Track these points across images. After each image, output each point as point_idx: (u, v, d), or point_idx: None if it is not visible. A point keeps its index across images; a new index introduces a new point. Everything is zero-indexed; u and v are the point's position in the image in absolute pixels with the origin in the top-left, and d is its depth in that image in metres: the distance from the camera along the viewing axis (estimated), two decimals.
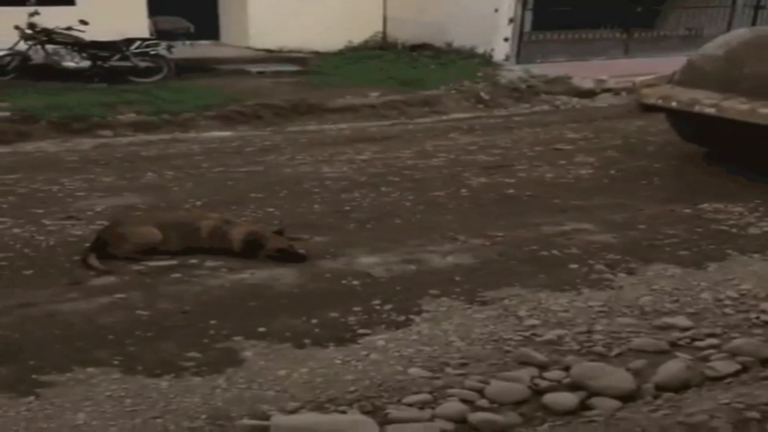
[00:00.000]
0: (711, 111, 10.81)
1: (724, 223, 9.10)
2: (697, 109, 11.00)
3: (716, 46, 11.90)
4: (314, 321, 6.63)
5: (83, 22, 17.02)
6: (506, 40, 20.48)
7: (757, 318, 6.69)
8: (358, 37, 22.61)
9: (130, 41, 17.75)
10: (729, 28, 21.04)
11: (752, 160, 11.19)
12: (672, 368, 5.81)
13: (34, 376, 5.70)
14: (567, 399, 5.47)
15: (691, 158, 12.17)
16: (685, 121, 11.80)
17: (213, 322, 6.55)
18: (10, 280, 7.40)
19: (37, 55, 17.50)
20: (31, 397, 5.44)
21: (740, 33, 12.14)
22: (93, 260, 7.65)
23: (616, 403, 5.42)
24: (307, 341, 6.29)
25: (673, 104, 11.40)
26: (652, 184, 10.99)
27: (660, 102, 11.59)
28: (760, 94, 10.57)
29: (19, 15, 17.09)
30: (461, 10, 20.65)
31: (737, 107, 10.55)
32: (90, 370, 5.80)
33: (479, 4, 20.40)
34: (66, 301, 6.94)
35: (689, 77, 11.74)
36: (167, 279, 7.45)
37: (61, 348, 6.12)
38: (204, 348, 6.16)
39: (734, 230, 8.83)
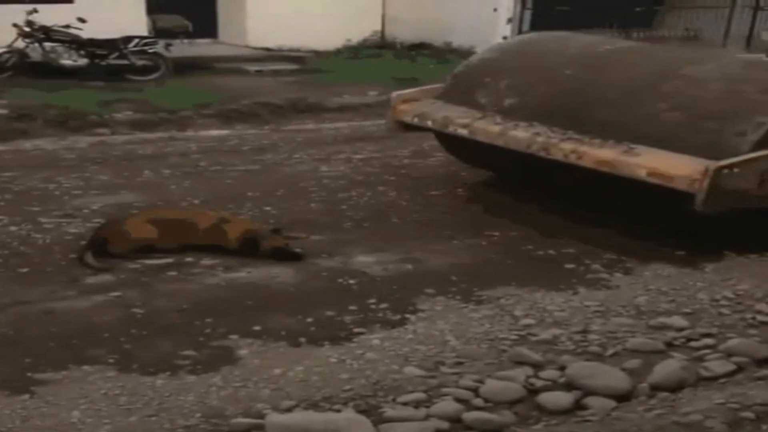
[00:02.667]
0: (464, 132, 9.51)
1: None
2: (450, 129, 9.69)
3: (484, 55, 10.82)
4: (310, 320, 6.63)
5: (81, 20, 17.04)
6: (505, 39, 20.50)
7: (753, 318, 6.69)
8: (356, 36, 22.66)
9: (128, 39, 17.77)
10: (728, 29, 21.03)
11: (536, 185, 10.13)
12: (667, 368, 5.81)
13: (29, 374, 5.69)
14: (562, 398, 5.47)
15: None
16: (459, 142, 10.10)
17: (209, 320, 6.56)
18: (6, 277, 7.41)
19: (35, 53, 17.53)
20: (26, 395, 5.43)
21: (511, 41, 11.46)
22: (89, 258, 7.65)
23: (611, 403, 5.41)
24: (302, 340, 6.30)
25: (429, 123, 9.98)
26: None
27: (416, 121, 10.09)
28: (516, 113, 9.40)
29: (18, 13, 17.10)
30: (460, 10, 20.68)
31: (489, 128, 9.24)
32: (85, 368, 5.80)
33: (478, 3, 20.44)
34: (62, 299, 6.95)
35: (453, 91, 10.33)
36: (163, 277, 7.46)
37: (57, 346, 6.12)
38: (199, 346, 6.16)
39: None
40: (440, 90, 10.45)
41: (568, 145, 8.47)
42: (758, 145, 7.73)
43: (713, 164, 7.43)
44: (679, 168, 7.69)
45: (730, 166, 7.50)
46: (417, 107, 10.22)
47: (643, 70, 9.12)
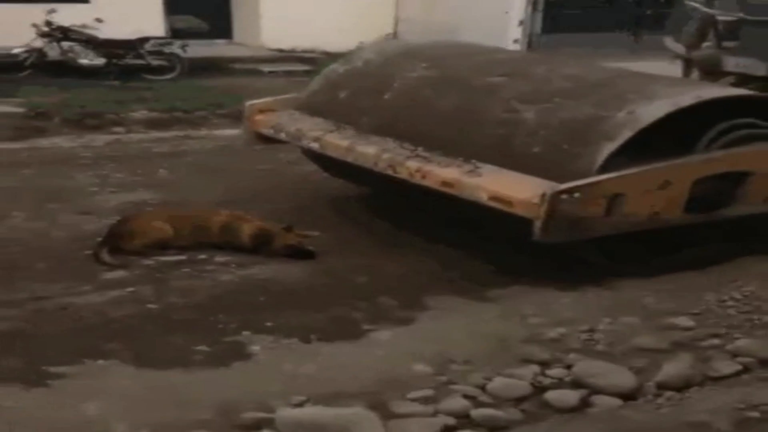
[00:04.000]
0: (315, 146, 8.94)
1: None
2: (303, 142, 9.16)
3: (344, 64, 10.05)
4: (321, 316, 6.70)
5: (99, 20, 17.14)
6: (516, 42, 20.52)
7: (759, 319, 6.70)
8: (369, 37, 22.58)
9: (144, 39, 17.86)
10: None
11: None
12: (674, 367, 5.84)
13: (45, 368, 5.75)
14: (569, 397, 5.50)
15: None
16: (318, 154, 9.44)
17: (222, 316, 6.63)
18: (23, 273, 7.47)
19: (53, 52, 17.63)
20: (42, 389, 5.50)
21: (374, 49, 10.38)
22: (105, 255, 7.72)
23: (618, 402, 5.46)
24: (313, 336, 6.35)
25: (282, 135, 9.37)
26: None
27: (272, 132, 9.48)
28: (371, 127, 8.72)
29: (36, 12, 17.20)
30: (471, 12, 20.69)
31: (338, 143, 8.60)
32: (100, 362, 5.87)
33: (489, 5, 20.45)
34: (78, 295, 7.02)
35: (312, 101, 9.66)
36: (177, 274, 7.53)
37: (73, 340, 6.19)
38: (212, 342, 6.22)
39: None
40: (299, 99, 9.87)
41: (414, 163, 7.82)
42: (606, 167, 7.03)
43: (551, 189, 6.76)
44: (521, 191, 6.99)
45: (570, 191, 6.78)
46: (273, 118, 9.63)
47: (503, 83, 8.40)
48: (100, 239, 8.00)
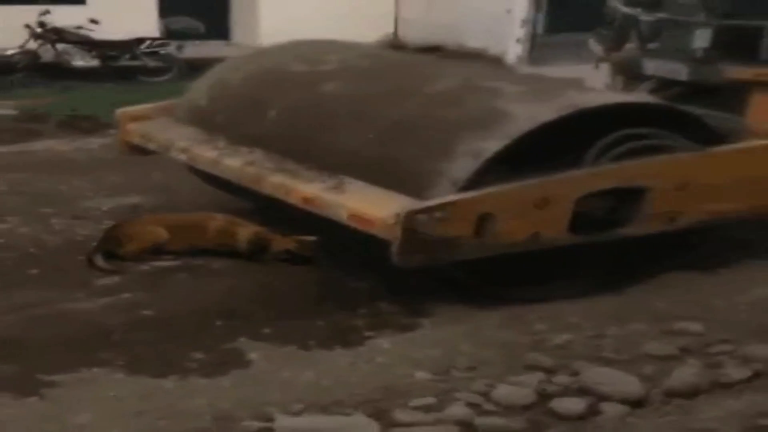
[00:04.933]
0: (183, 157, 8.48)
1: None
2: (172, 153, 8.59)
3: (221, 69, 9.61)
4: (320, 323, 6.62)
5: (93, 21, 17.08)
6: (518, 41, 20.45)
7: None
8: (369, 37, 22.60)
9: (140, 41, 17.80)
10: None
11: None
12: (683, 374, 5.78)
13: (38, 376, 5.68)
14: (575, 404, 5.42)
15: None
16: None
17: (218, 323, 6.55)
18: (16, 279, 7.40)
19: (47, 54, 17.56)
20: (36, 397, 5.43)
21: (253, 53, 10.20)
22: (99, 260, 7.64)
23: (625, 409, 5.38)
24: (312, 343, 6.29)
25: (152, 146, 8.86)
26: None
27: (142, 142, 8.93)
28: (242, 137, 8.18)
29: (30, 14, 17.15)
30: (473, 11, 20.62)
31: (206, 155, 8.10)
32: (95, 370, 5.80)
33: (492, 5, 20.37)
34: (72, 301, 6.94)
35: (188, 109, 9.14)
36: (173, 279, 7.45)
37: (66, 348, 6.11)
38: (209, 349, 6.15)
39: None
40: (176, 107, 9.33)
41: (277, 178, 7.38)
42: (471, 184, 6.58)
43: (406, 208, 6.35)
44: (381, 210, 6.54)
45: (429, 210, 6.35)
46: (144, 127, 9.06)
47: (377, 89, 7.91)
48: (94, 244, 7.92)
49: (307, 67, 8.69)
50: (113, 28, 17.22)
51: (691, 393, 5.57)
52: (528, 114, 6.90)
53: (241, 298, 7.08)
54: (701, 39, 8.93)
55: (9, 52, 17.22)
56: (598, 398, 5.49)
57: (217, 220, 8.14)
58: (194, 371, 5.83)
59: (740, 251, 8.10)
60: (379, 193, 6.85)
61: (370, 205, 6.69)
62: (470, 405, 5.40)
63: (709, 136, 7.52)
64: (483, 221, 6.53)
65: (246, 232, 7.99)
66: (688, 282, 7.51)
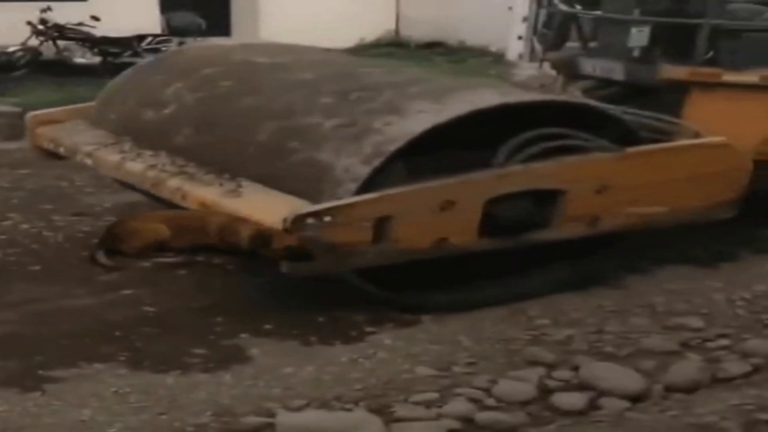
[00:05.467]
0: (88, 162, 8.05)
1: None
2: (78, 158, 8.18)
3: (136, 68, 9.33)
4: (321, 319, 6.61)
5: (95, 18, 17.08)
6: (520, 38, 20.41)
7: None
8: (370, 34, 22.64)
9: (141, 37, 17.82)
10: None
11: None
12: (682, 369, 5.78)
13: (40, 372, 5.68)
14: (575, 399, 5.43)
15: None
16: None
17: (219, 318, 6.54)
18: (18, 275, 7.41)
19: (49, 51, 17.57)
20: (38, 393, 5.42)
21: (169, 52, 9.93)
22: (101, 256, 7.64)
23: (625, 404, 5.38)
24: (313, 339, 6.28)
25: (61, 150, 8.41)
26: None
27: (52, 147, 8.51)
28: (150, 140, 7.81)
29: (31, 10, 17.15)
30: (474, 8, 20.63)
31: (108, 158, 7.74)
32: (96, 365, 5.78)
33: (493, 2, 20.36)
34: (73, 297, 6.94)
35: (101, 111, 8.75)
36: (174, 276, 7.44)
37: (68, 344, 6.11)
38: (210, 345, 6.14)
39: None
40: (89, 109, 8.94)
41: (175, 182, 7.05)
42: (371, 186, 6.25)
43: (293, 212, 6.06)
44: (270, 215, 6.31)
45: (318, 214, 6.05)
46: (52, 131, 8.63)
47: (277, 89, 7.59)
48: (96, 241, 7.92)
49: (214, 69, 8.32)
50: (114, 25, 17.22)
51: (691, 388, 5.57)
52: (431, 112, 6.59)
53: (242, 295, 7.09)
54: (637, 38, 8.74)
55: (11, 49, 17.23)
56: (598, 393, 5.48)
57: (219, 217, 8.13)
58: (195, 367, 5.83)
59: (741, 246, 8.10)
60: (275, 197, 6.57)
61: (261, 210, 6.47)
62: (471, 400, 5.39)
63: (631, 137, 7.29)
64: (382, 226, 6.21)
65: (247, 228, 7.98)
66: (689, 277, 7.52)
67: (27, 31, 17.24)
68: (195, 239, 7.92)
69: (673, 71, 8.40)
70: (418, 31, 22.38)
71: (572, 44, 10.00)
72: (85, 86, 15.97)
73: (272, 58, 8.56)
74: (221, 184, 6.86)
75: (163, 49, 17.82)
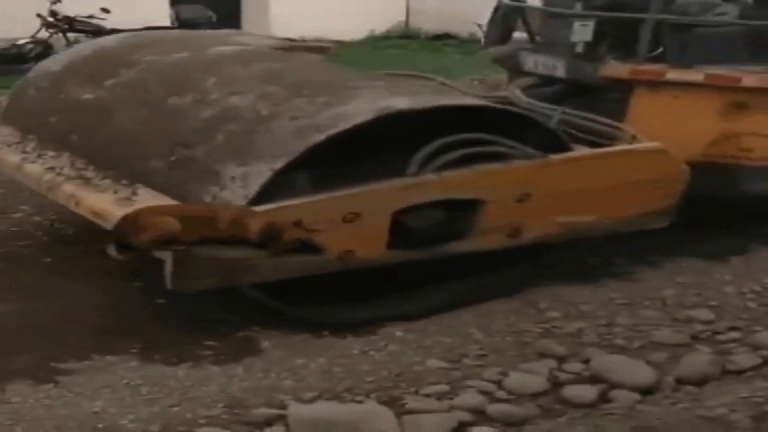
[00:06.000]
0: None
1: None
2: None
3: (49, 63, 8.63)
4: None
5: (105, 11, 17.07)
6: None
7: None
8: (380, 26, 22.59)
9: (150, 30, 17.78)
10: None
11: None
12: (693, 361, 5.79)
13: (52, 364, 5.70)
14: (586, 391, 5.46)
15: None
16: None
17: (231, 311, 6.55)
18: (30, 267, 7.41)
19: (59, 44, 17.54)
20: (50, 385, 5.44)
21: (84, 45, 9.20)
22: (112, 249, 7.64)
23: (636, 396, 5.40)
24: (325, 331, 6.27)
25: None
26: None
27: None
28: (56, 140, 7.28)
29: (41, 3, 17.15)
30: (484, 1, 20.57)
31: (9, 159, 7.26)
32: (108, 357, 5.80)
33: None
34: (84, 290, 6.96)
35: (12, 109, 8.27)
36: None
37: (80, 336, 6.13)
38: (222, 337, 6.16)
39: None
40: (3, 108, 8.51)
41: (69, 187, 6.52)
42: (267, 196, 6.02)
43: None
44: None
45: None
46: None
47: (178, 93, 7.06)
48: (108, 234, 7.92)
49: (120, 68, 7.75)
50: (124, 17, 17.20)
51: (702, 380, 5.59)
52: (336, 117, 6.18)
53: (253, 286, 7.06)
54: (580, 32, 8.25)
55: (21, 42, 17.23)
56: (609, 386, 5.51)
57: (229, 211, 8.13)
58: (207, 359, 5.85)
59: (752, 239, 8.08)
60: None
61: None
62: (482, 392, 5.41)
63: (560, 143, 6.97)
64: (272, 233, 5.99)
65: (257, 222, 7.98)
66: (700, 270, 7.51)
67: (37, 23, 17.24)
68: (205, 233, 7.92)
69: (614, 69, 8.12)
70: (428, 23, 22.32)
71: (519, 38, 9.62)
72: None
73: (183, 54, 7.93)
74: (116, 192, 6.35)
75: None
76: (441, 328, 6.36)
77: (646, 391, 5.47)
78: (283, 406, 5.17)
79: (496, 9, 9.77)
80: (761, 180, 7.85)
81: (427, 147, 6.30)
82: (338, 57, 19.43)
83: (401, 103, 6.36)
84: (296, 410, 5.08)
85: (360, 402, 5.29)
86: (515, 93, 8.80)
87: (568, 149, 6.97)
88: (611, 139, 7.35)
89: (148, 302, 6.75)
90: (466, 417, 5.14)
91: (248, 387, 5.48)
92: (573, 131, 7.54)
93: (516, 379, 5.57)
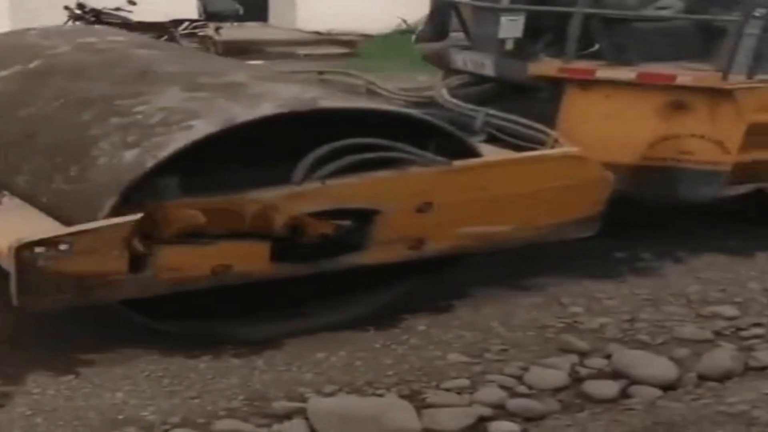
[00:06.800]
0: None
1: None
2: None
3: None
4: None
5: (131, 2, 17.14)
6: None
7: None
8: (409, 19, 22.56)
9: (177, 22, 17.83)
10: None
11: None
12: (715, 358, 5.76)
13: (74, 355, 5.72)
14: (607, 387, 5.44)
15: None
16: None
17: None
18: None
19: None
20: (71, 376, 5.47)
21: None
22: (136, 242, 7.64)
23: (657, 392, 5.38)
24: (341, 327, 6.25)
25: None
26: None
27: None
28: None
29: None
30: None
31: None
32: (129, 350, 5.82)
33: None
34: None
35: None
36: None
37: (102, 327, 6.12)
38: None
39: None
40: None
41: None
42: (127, 207, 5.48)
43: (22, 239, 5.08)
44: (6, 239, 5.20)
45: (50, 243, 5.11)
46: None
47: (52, 97, 6.67)
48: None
49: (5, 71, 7.40)
50: (151, 10, 17.26)
51: (724, 376, 5.55)
52: (210, 119, 5.81)
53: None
54: (509, 28, 7.72)
55: None
56: (630, 381, 5.49)
57: (254, 204, 8.13)
58: (227, 351, 5.85)
59: None
60: (31, 217, 5.72)
61: (7, 232, 5.36)
62: (503, 387, 5.40)
63: (464, 149, 6.45)
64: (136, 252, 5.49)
65: (283, 215, 7.98)
66: (724, 265, 7.48)
67: (65, 15, 17.31)
68: (229, 226, 7.92)
69: (542, 67, 7.68)
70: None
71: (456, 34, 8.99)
72: None
73: (69, 56, 7.59)
74: None
75: (200, 34, 17.90)
76: (463, 323, 6.35)
77: (668, 387, 5.45)
78: (304, 400, 5.17)
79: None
80: (704, 184, 7.45)
81: (314, 153, 5.84)
82: (364, 50, 19.53)
83: (263, 110, 5.92)
84: (316, 403, 5.09)
85: (380, 396, 5.29)
86: (441, 93, 8.30)
87: (476, 155, 6.48)
88: (537, 143, 6.94)
89: None
90: (487, 412, 5.12)
91: (269, 380, 5.48)
92: (498, 134, 7.27)
93: (537, 374, 5.55)
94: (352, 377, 5.51)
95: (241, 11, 19.72)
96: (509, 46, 7.80)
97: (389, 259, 6.14)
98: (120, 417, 5.01)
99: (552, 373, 5.58)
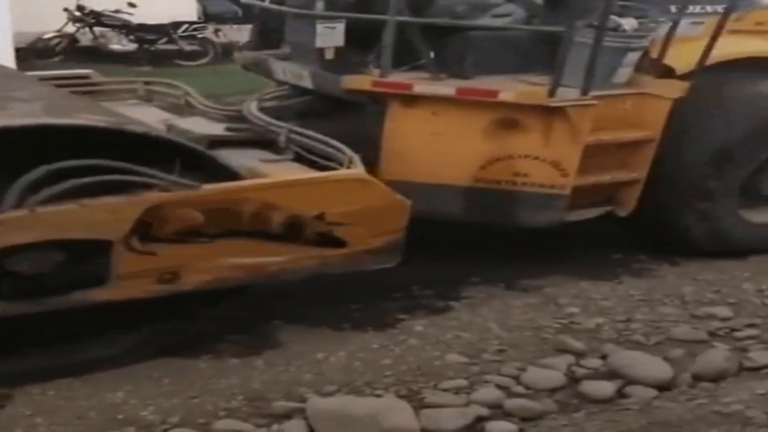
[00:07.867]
0: None
1: None
2: None
3: None
4: (353, 305, 6.67)
5: (131, 5, 17.18)
6: None
7: None
8: None
9: (177, 24, 17.88)
10: None
11: None
12: (710, 358, 5.77)
13: (73, 354, 5.68)
14: (603, 387, 5.46)
15: None
16: None
17: (252, 304, 6.52)
18: None
19: (85, 38, 17.67)
20: (71, 376, 5.48)
21: None
22: (135, 242, 7.66)
23: (653, 392, 5.40)
24: (345, 325, 6.34)
25: None
26: None
27: None
28: None
29: None
30: None
31: None
32: (129, 350, 5.80)
33: None
34: None
35: None
36: None
37: (102, 327, 6.08)
38: (242, 330, 6.20)
39: None
40: None
41: None
42: None
43: None
44: None
45: None
46: None
47: None
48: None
49: None
50: (151, 12, 17.29)
51: (718, 377, 5.57)
52: None
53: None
54: (326, 36, 6.92)
55: (47, 36, 17.34)
56: (626, 381, 5.51)
57: (251, 203, 8.14)
58: (227, 352, 5.89)
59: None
60: None
61: None
62: (500, 387, 5.43)
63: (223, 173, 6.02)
64: None
65: (280, 214, 7.99)
66: (719, 268, 7.50)
67: (64, 17, 17.34)
68: (228, 225, 7.94)
69: (355, 80, 6.92)
70: None
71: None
72: (119, 73, 16.10)
73: None
74: None
75: (199, 36, 17.95)
76: (460, 324, 6.38)
77: (663, 387, 5.47)
78: (303, 400, 5.19)
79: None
80: (543, 208, 6.99)
81: (28, 176, 5.11)
82: None
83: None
84: (315, 403, 5.10)
85: (379, 396, 5.31)
86: (249, 107, 7.58)
87: (237, 177, 6.04)
88: (339, 163, 6.30)
89: None
90: (484, 412, 5.15)
91: (268, 380, 5.50)
92: (302, 152, 6.68)
93: (534, 374, 5.58)
94: (351, 377, 5.53)
95: (241, 13, 19.74)
96: (329, 56, 7.04)
97: (137, 294, 5.48)
98: (120, 416, 5.03)
99: (549, 374, 5.60)
